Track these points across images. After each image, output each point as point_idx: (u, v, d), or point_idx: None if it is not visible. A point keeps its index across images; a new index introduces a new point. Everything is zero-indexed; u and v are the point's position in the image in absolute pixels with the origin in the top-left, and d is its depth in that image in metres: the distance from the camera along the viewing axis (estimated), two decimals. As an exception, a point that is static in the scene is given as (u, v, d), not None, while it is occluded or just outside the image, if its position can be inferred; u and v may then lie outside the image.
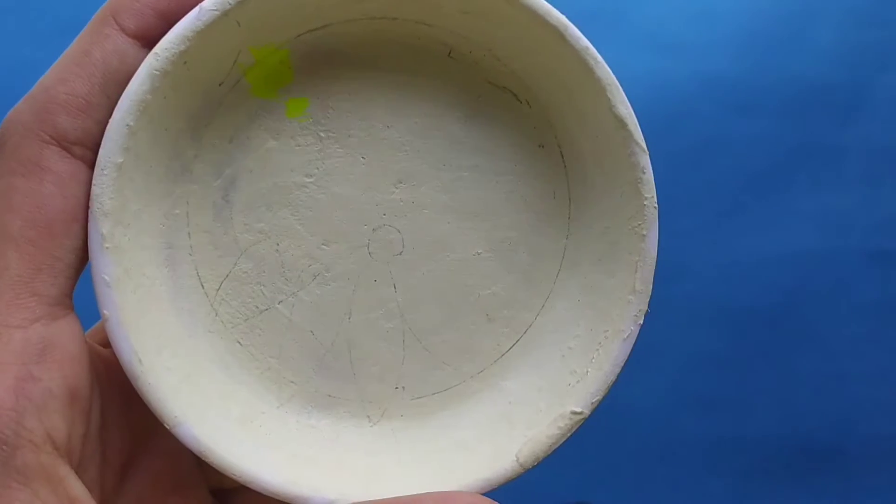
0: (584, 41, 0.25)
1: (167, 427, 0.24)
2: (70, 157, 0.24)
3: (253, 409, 0.27)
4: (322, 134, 0.27)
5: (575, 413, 0.26)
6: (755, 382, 0.89)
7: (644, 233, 0.26)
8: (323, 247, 0.27)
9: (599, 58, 0.26)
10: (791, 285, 0.90)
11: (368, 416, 0.28)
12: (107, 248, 0.24)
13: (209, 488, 0.28)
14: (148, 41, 0.24)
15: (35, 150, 0.23)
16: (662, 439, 0.89)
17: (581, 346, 0.27)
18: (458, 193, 0.27)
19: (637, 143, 0.26)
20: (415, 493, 0.25)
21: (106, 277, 0.24)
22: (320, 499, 0.25)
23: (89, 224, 0.24)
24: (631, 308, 0.26)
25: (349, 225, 0.27)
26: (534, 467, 0.26)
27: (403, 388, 0.28)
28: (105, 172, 0.24)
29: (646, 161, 0.26)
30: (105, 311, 0.24)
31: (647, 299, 0.26)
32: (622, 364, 0.26)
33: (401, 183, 0.27)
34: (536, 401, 0.27)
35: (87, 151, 0.24)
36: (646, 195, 0.26)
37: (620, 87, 0.26)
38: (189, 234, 0.26)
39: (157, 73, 0.24)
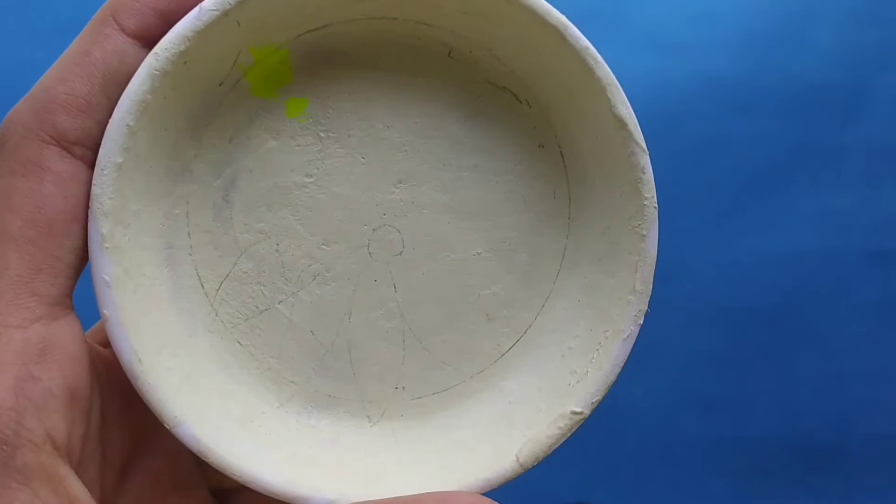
0: (584, 41, 0.25)
1: (167, 427, 0.24)
2: (70, 157, 0.24)
3: (253, 408, 0.27)
4: (322, 134, 0.27)
5: (575, 413, 0.26)
6: (755, 382, 0.89)
7: (644, 233, 0.26)
8: (323, 247, 0.27)
9: (599, 58, 0.26)
10: (791, 285, 0.90)
11: (368, 416, 0.28)
12: (107, 247, 0.24)
13: (209, 488, 0.28)
14: (148, 41, 0.24)
15: (35, 150, 0.23)
16: (662, 439, 0.89)
17: (581, 346, 0.27)
18: (457, 193, 0.27)
19: (637, 143, 0.26)
20: (415, 493, 0.25)
21: (106, 277, 0.24)
22: (320, 499, 0.25)
23: (89, 224, 0.24)
24: (631, 308, 0.26)
25: (349, 225, 0.27)
26: (534, 467, 0.26)
27: (403, 388, 0.28)
28: (105, 172, 0.24)
29: (646, 161, 0.26)
30: (105, 311, 0.24)
31: (647, 299, 0.26)
32: (622, 364, 0.26)
33: (401, 183, 0.27)
34: (536, 401, 0.27)
35: (87, 151, 0.24)
36: (646, 195, 0.26)
37: (620, 87, 0.26)
38: (189, 234, 0.26)
39: (157, 73, 0.24)
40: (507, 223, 0.28)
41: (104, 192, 0.24)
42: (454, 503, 0.24)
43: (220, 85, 0.26)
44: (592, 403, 0.26)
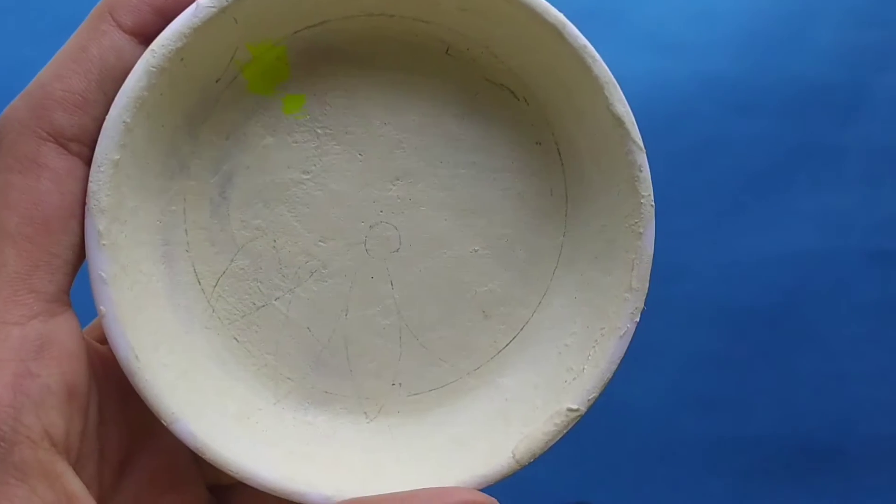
0: (582, 39, 0.25)
1: (164, 423, 0.24)
2: (67, 153, 0.24)
3: (250, 405, 0.27)
4: (319, 131, 0.27)
5: (571, 410, 0.26)
6: (755, 382, 0.89)
7: (641, 231, 0.26)
8: (320, 243, 0.27)
9: (597, 56, 0.26)
10: (791, 285, 0.90)
11: (365, 413, 0.28)
12: (103, 244, 0.24)
13: (206, 484, 0.28)
14: (145, 38, 0.24)
15: (32, 147, 0.23)
16: (662, 439, 0.89)
17: (577, 344, 0.27)
18: (455, 190, 0.27)
19: (634, 142, 0.26)
20: (411, 489, 0.25)
21: (102, 274, 0.24)
22: (317, 495, 0.25)
23: (86, 221, 0.24)
24: (627, 305, 0.26)
25: (346, 222, 0.27)
26: (530, 464, 0.26)
27: (400, 384, 0.28)
28: (102, 169, 0.24)
29: (643, 159, 0.26)
30: (102, 308, 0.24)
31: (644, 297, 0.26)
32: (618, 361, 0.26)
33: (398, 180, 0.27)
34: (533, 398, 0.27)
35: (84, 148, 0.24)
36: (643, 193, 0.26)
37: (618, 86, 0.26)
38: (186, 230, 0.26)
39: (154, 69, 0.24)
40: (504, 220, 0.28)
41: (101, 189, 0.24)
42: (450, 499, 0.24)
43: (216, 82, 0.26)
44: (589, 400, 0.26)
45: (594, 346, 0.26)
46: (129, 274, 0.25)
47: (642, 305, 0.26)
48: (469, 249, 0.28)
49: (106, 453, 0.25)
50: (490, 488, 0.25)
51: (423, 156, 0.27)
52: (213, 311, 0.27)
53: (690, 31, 0.91)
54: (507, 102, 0.27)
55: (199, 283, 0.27)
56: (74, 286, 0.24)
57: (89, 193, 0.24)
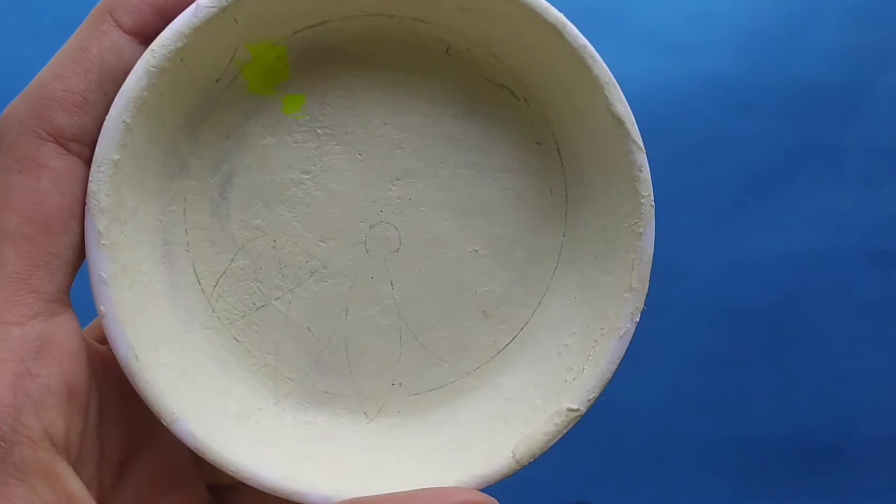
0: (582, 39, 0.25)
1: (164, 423, 0.24)
2: (67, 153, 0.24)
3: (249, 405, 0.27)
4: (319, 131, 0.27)
5: (571, 410, 0.26)
6: (755, 382, 0.89)
7: (641, 231, 0.26)
8: (320, 243, 0.27)
9: (597, 56, 0.26)
10: (791, 285, 0.90)
11: (365, 413, 0.28)
12: (103, 244, 0.24)
13: (206, 484, 0.28)
14: (145, 38, 0.24)
15: (32, 147, 0.23)
16: (662, 439, 0.89)
17: (577, 344, 0.27)
18: (455, 190, 0.27)
19: (634, 142, 0.26)
20: (411, 489, 0.25)
21: (102, 274, 0.24)
22: (317, 495, 0.25)
23: (86, 221, 0.24)
24: (627, 306, 0.26)
25: (346, 222, 0.27)
26: (530, 464, 0.26)
27: (400, 384, 0.28)
28: (102, 169, 0.24)
29: (643, 159, 0.26)
30: (102, 308, 0.24)
31: (644, 297, 0.26)
32: (618, 361, 0.26)
33: (398, 180, 0.27)
34: (533, 397, 0.27)
35: (84, 148, 0.24)
36: (643, 193, 0.26)
37: (618, 86, 0.26)
38: (186, 230, 0.26)
39: (154, 69, 0.24)
40: (504, 220, 0.28)
41: (101, 189, 0.24)
42: (450, 499, 0.24)
43: (216, 82, 0.26)
44: (589, 400, 0.26)
45: (594, 346, 0.26)
46: (129, 274, 0.25)
47: (642, 305, 0.26)
48: (469, 249, 0.28)
49: (106, 453, 0.25)
50: (490, 488, 0.26)
51: (423, 156, 0.27)
52: (213, 311, 0.27)
53: (690, 31, 0.91)
54: (507, 102, 0.27)
55: (199, 283, 0.27)
56: (74, 286, 0.24)
57: (89, 193, 0.24)
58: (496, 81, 0.27)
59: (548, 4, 0.25)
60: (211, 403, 0.26)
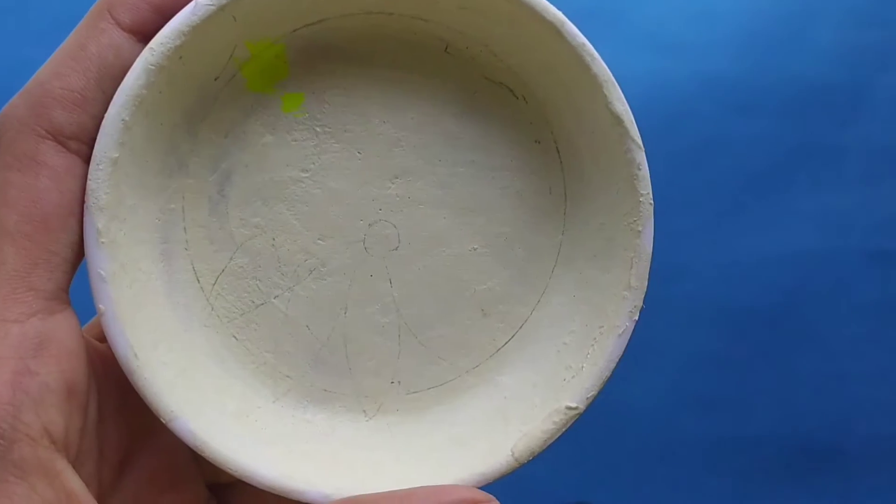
0: (581, 37, 0.25)
1: (163, 421, 0.24)
2: (65, 151, 0.24)
3: (249, 403, 0.27)
4: (318, 129, 0.27)
5: (570, 408, 0.26)
6: (755, 382, 0.89)
7: (640, 229, 0.26)
8: (319, 241, 0.27)
9: (596, 54, 0.26)
10: (791, 285, 0.90)
11: (364, 411, 0.28)
12: (102, 242, 0.24)
13: (205, 482, 0.28)
14: (143, 36, 0.24)
15: (31, 145, 0.23)
16: (662, 439, 0.89)
17: (576, 342, 0.27)
18: (453, 189, 0.27)
19: (633, 140, 0.26)
20: (410, 487, 0.25)
21: (102, 272, 0.24)
22: (316, 493, 0.25)
23: (85, 219, 0.24)
24: (626, 304, 0.26)
25: (345, 220, 0.27)
26: (529, 462, 0.26)
27: (399, 382, 0.28)
28: (100, 167, 0.24)
29: (641, 157, 0.26)
30: (101, 306, 0.24)
31: (643, 295, 0.26)
32: (617, 360, 0.26)
33: (397, 178, 0.27)
34: (531, 396, 0.27)
35: (83, 146, 0.24)
36: (641, 192, 0.26)
37: (617, 84, 0.26)
38: (185, 228, 0.26)
39: (153, 67, 0.24)
40: (503, 219, 0.28)
41: (100, 187, 0.24)
42: (449, 497, 0.24)
43: (215, 80, 0.26)
44: (587, 399, 0.26)
45: (593, 345, 0.26)
46: (128, 272, 0.25)
47: (641, 304, 0.26)
48: (468, 248, 0.28)
49: (105, 451, 0.25)
50: (490, 487, 0.25)
51: (422, 154, 0.27)
52: (212, 309, 0.27)
53: (690, 31, 0.91)
54: (506, 101, 0.27)
55: (198, 281, 0.27)
56: (73, 284, 0.24)
57: (88, 191, 0.24)
58: (495, 80, 0.27)
59: (547, 3, 0.25)
60: (210, 401, 0.26)
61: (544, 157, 0.28)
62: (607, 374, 0.26)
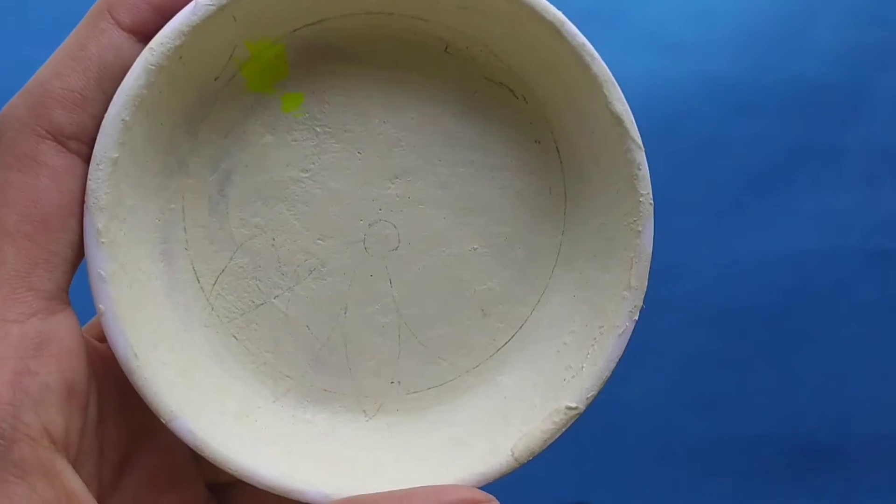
0: (581, 37, 0.25)
1: (163, 421, 0.24)
2: (65, 151, 0.24)
3: (249, 403, 0.27)
4: (318, 129, 0.27)
5: (570, 408, 0.26)
6: (755, 382, 0.89)
7: (640, 229, 0.26)
8: (319, 241, 0.27)
9: (596, 54, 0.26)
10: (791, 285, 0.90)
11: (364, 411, 0.28)
12: (102, 242, 0.24)
13: (205, 483, 0.28)
14: (143, 36, 0.24)
15: (31, 145, 0.23)
16: (662, 439, 0.89)
17: (576, 342, 0.27)
18: (453, 189, 0.27)
19: (633, 140, 0.26)
20: (410, 487, 0.25)
21: (101, 272, 0.24)
22: (316, 493, 0.25)
23: (85, 219, 0.24)
24: (626, 304, 0.26)
25: (345, 220, 0.27)
26: (529, 462, 0.26)
27: (399, 382, 0.28)
28: (100, 167, 0.24)
29: (641, 157, 0.26)
30: (101, 306, 0.24)
31: (643, 295, 0.26)
32: (617, 360, 0.26)
33: (397, 178, 0.27)
34: (531, 396, 0.27)
35: (83, 146, 0.24)
36: (641, 192, 0.26)
37: (617, 84, 0.26)
38: (185, 228, 0.26)
39: (153, 67, 0.24)
40: (503, 219, 0.28)
41: (100, 187, 0.24)
42: (449, 497, 0.24)
43: (215, 80, 0.26)
44: (587, 399, 0.26)
45: (593, 345, 0.26)
46: (128, 272, 0.25)
47: (641, 304, 0.26)
48: (468, 248, 0.28)
49: (105, 451, 0.25)
50: (490, 488, 0.25)
51: (422, 154, 0.27)
52: (213, 309, 0.27)
53: (690, 31, 0.91)
54: (506, 101, 0.27)
55: (199, 281, 0.27)
56: (73, 284, 0.24)
57: (88, 191, 0.24)
58: (495, 80, 0.27)
59: (546, 3, 0.25)
60: (210, 401, 0.26)
61: (544, 157, 0.28)
62: (607, 374, 0.26)
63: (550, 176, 0.28)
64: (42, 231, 0.23)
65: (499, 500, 0.24)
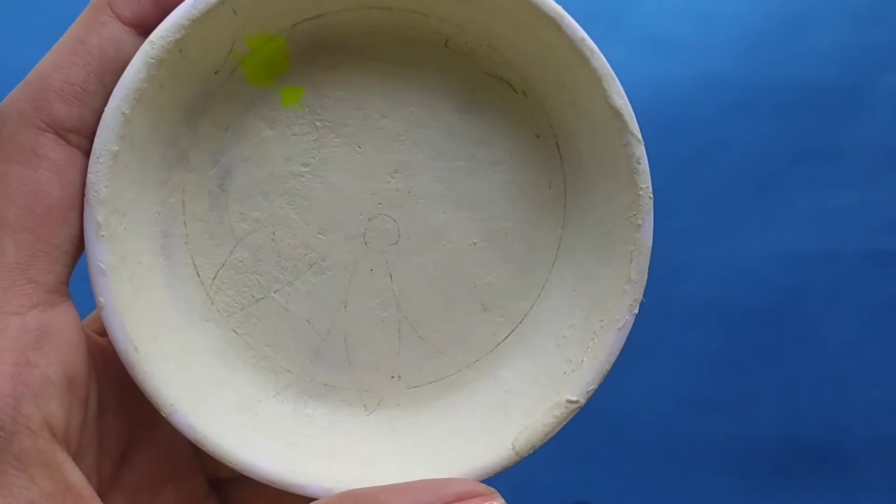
0: (580, 32, 0.25)
1: (163, 415, 0.25)
2: (66, 144, 0.24)
3: (249, 397, 0.27)
4: (318, 123, 0.27)
5: (570, 401, 0.26)
6: (755, 382, 0.89)
7: (639, 223, 0.26)
8: (319, 236, 0.27)
9: (595, 48, 0.26)
10: (791, 285, 0.90)
11: (364, 405, 0.28)
12: (102, 235, 0.24)
13: (206, 476, 0.28)
14: (144, 29, 0.24)
15: (31, 138, 0.23)
16: (662, 439, 0.89)
17: (576, 336, 0.27)
18: (453, 183, 0.27)
19: (632, 134, 0.26)
20: (410, 480, 0.25)
21: (102, 265, 0.24)
22: (316, 487, 0.25)
23: (85, 212, 0.24)
24: (626, 297, 0.26)
25: (345, 214, 0.27)
26: (529, 455, 0.26)
27: (399, 376, 0.28)
28: (101, 160, 0.24)
29: (641, 151, 0.26)
30: (101, 299, 0.24)
31: (643, 289, 0.26)
32: (617, 353, 0.26)
33: (397, 172, 0.27)
34: (532, 390, 0.27)
35: (83, 139, 0.24)
36: (641, 185, 0.26)
37: (616, 78, 0.26)
38: (185, 222, 0.26)
39: (153, 61, 0.24)
40: (503, 213, 0.28)
41: (100, 181, 0.24)
42: (449, 490, 0.24)
43: (215, 73, 0.26)
44: (588, 392, 0.26)
45: (593, 338, 0.26)
46: (128, 265, 0.25)
47: (641, 297, 0.26)
48: (468, 242, 0.28)
49: (105, 444, 0.25)
50: (491, 483, 0.25)
51: (422, 148, 0.27)
52: (213, 303, 0.27)
53: (691, 31, 0.91)
54: (506, 95, 0.27)
55: (199, 275, 0.27)
56: (74, 278, 0.24)
57: (88, 184, 0.24)
58: (495, 74, 0.27)
59: None
60: (210, 395, 0.26)
61: (544, 151, 0.28)
62: (608, 367, 0.26)
63: (550, 170, 0.28)
64: (42, 224, 0.23)
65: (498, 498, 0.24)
